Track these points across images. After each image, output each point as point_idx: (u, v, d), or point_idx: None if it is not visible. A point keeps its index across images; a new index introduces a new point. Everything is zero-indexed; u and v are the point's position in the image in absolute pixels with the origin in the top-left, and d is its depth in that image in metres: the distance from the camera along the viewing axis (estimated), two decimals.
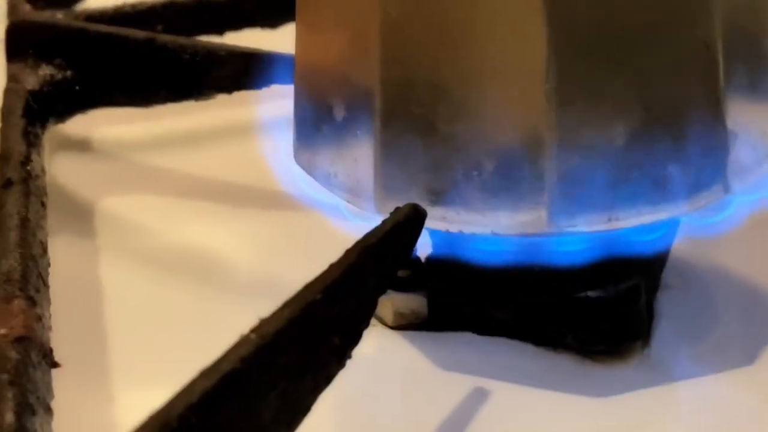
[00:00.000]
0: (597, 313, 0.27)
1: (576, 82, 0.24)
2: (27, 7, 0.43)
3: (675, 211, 0.25)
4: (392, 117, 0.25)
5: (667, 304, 0.30)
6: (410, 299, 0.29)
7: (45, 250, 0.29)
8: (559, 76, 0.24)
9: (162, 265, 0.34)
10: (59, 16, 0.42)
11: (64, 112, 0.37)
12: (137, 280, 0.33)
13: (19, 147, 0.32)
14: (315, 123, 0.28)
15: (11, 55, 0.37)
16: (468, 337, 0.29)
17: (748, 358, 0.27)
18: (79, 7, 0.46)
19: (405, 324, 0.29)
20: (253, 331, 0.20)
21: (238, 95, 0.35)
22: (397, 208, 0.24)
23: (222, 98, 0.36)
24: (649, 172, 0.24)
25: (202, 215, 0.37)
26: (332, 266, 0.22)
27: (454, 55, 0.24)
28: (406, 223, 0.24)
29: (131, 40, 0.36)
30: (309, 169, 0.29)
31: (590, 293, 0.28)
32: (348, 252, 0.23)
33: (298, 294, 0.21)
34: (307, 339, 0.21)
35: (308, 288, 0.21)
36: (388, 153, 0.26)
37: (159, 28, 0.43)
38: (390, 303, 0.29)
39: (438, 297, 0.29)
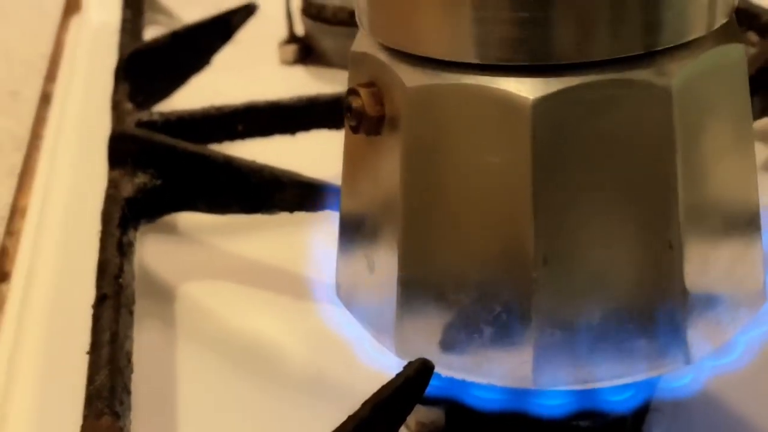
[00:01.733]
0: None
1: (559, 272, 0.29)
2: (129, 106, 0.49)
3: (640, 376, 0.30)
4: (410, 283, 0.31)
5: (656, 428, 0.35)
6: (431, 411, 0.35)
7: (130, 360, 0.35)
8: (544, 267, 0.29)
9: (228, 354, 0.40)
10: (155, 113, 0.49)
11: (153, 215, 0.43)
12: (207, 369, 0.39)
13: (114, 259, 0.38)
14: (352, 267, 0.34)
15: (113, 163, 0.44)
16: None
17: None
18: (173, 104, 0.52)
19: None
20: None
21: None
22: (409, 363, 0.30)
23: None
24: (618, 346, 0.30)
25: (267, 304, 0.43)
26: (348, 419, 0.28)
27: (458, 243, 0.30)
28: (416, 377, 0.30)
29: (212, 159, 0.42)
30: (346, 302, 0.35)
31: (581, 422, 0.33)
32: (362, 406, 0.28)
33: None
34: None
35: None
36: (406, 311, 0.31)
37: (240, 128, 0.49)
38: (414, 414, 0.34)
39: (454, 412, 0.34)
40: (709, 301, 0.30)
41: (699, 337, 0.30)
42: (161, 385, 0.38)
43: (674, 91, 0.28)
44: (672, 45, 0.28)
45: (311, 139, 0.49)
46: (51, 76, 0.68)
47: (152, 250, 0.45)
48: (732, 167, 0.30)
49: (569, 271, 0.29)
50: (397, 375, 0.30)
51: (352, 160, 0.33)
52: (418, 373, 0.30)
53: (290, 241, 0.42)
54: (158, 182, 0.43)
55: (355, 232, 0.33)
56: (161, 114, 0.48)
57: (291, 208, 0.41)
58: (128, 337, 0.36)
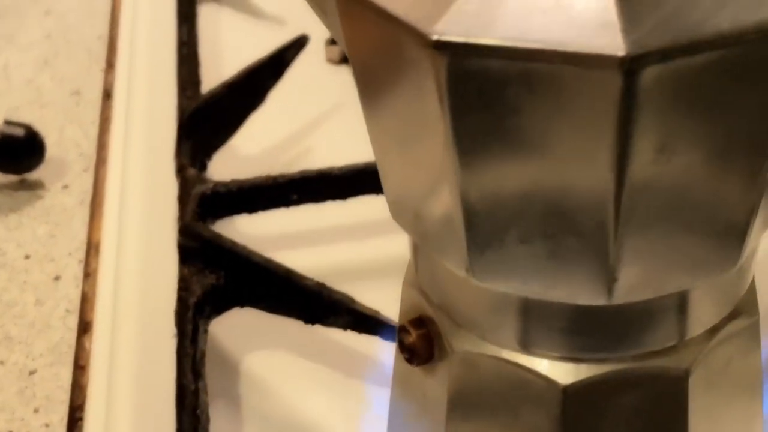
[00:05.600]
0: None
1: None
2: (192, 173, 0.53)
3: None
4: None
5: None
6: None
7: None
8: None
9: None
10: (218, 185, 0.52)
11: (220, 311, 0.48)
12: None
13: (190, 386, 0.43)
14: None
15: (183, 258, 0.48)
16: None
17: None
18: (235, 171, 0.56)
19: None
20: None
21: None
22: None
23: None
24: None
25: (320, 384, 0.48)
26: None
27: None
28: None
29: (274, 271, 0.47)
30: None
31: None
32: None
33: None
34: None
35: None
36: None
37: (294, 197, 0.53)
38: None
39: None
40: None
41: None
42: None
43: (693, 373, 0.32)
44: (699, 333, 0.32)
45: (360, 204, 0.53)
46: (110, 62, 0.71)
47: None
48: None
49: None
50: None
51: (401, 382, 0.37)
52: None
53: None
54: (224, 282, 0.47)
55: None
56: (224, 185, 0.52)
57: (345, 327, 0.45)
58: None
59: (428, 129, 0.28)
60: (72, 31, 0.75)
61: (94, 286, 0.55)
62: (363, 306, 0.45)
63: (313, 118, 0.62)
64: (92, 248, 0.58)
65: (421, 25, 0.26)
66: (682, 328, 0.32)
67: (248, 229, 0.55)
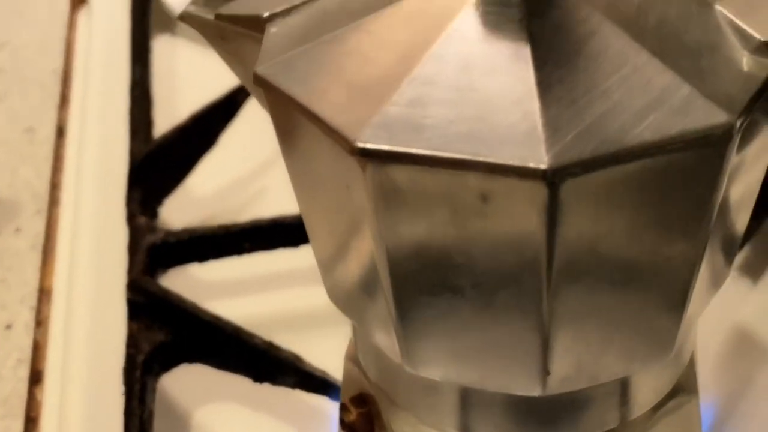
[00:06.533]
0: None
1: None
2: (143, 220, 0.53)
3: None
4: None
5: None
6: None
7: None
8: None
9: None
10: (169, 235, 0.52)
11: (169, 366, 0.48)
12: None
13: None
14: None
15: (131, 314, 0.48)
16: None
17: None
18: (186, 214, 0.55)
19: None
20: None
21: None
22: None
23: None
24: None
25: None
26: None
27: None
28: None
29: (221, 326, 0.46)
30: None
31: None
32: None
33: None
34: None
35: None
36: None
37: (246, 245, 0.53)
38: None
39: None
40: None
41: None
42: None
43: None
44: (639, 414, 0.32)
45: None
46: (64, 97, 0.71)
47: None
48: None
49: None
50: None
51: None
52: None
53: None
54: (172, 339, 0.47)
55: None
56: (174, 235, 0.52)
57: (293, 386, 0.45)
58: None
59: (357, 225, 0.28)
60: (26, 65, 0.75)
61: (45, 334, 0.55)
62: (310, 366, 0.45)
63: (266, 157, 0.62)
64: (44, 295, 0.58)
65: (346, 130, 0.26)
66: (621, 411, 0.32)
67: (200, 274, 0.54)
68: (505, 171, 0.25)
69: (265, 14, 0.30)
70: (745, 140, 0.27)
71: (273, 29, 0.30)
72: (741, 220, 0.31)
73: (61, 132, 0.68)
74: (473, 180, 0.25)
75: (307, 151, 0.28)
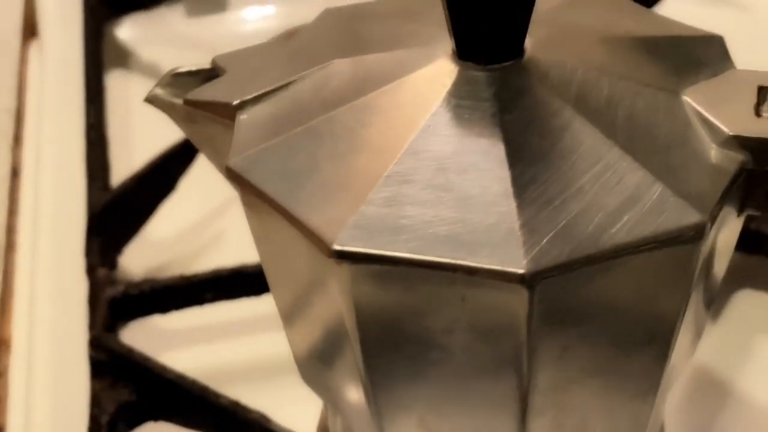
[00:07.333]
0: None
1: None
2: (103, 272, 0.53)
3: None
4: None
5: None
6: None
7: None
8: None
9: None
10: (130, 287, 0.52)
11: (133, 425, 0.47)
12: None
13: None
14: None
15: (94, 372, 0.48)
16: None
17: None
18: (147, 260, 0.55)
19: None
20: None
21: None
22: None
23: None
24: None
25: None
26: None
27: None
28: None
29: (187, 386, 0.46)
30: None
31: None
32: None
33: None
34: None
35: None
36: None
37: (208, 295, 0.53)
38: None
39: None
40: None
41: None
42: None
43: None
44: None
45: None
46: (17, 137, 0.70)
47: None
48: None
49: None
50: None
51: None
52: None
53: None
54: (136, 397, 0.47)
55: None
56: (135, 287, 0.52)
57: None
58: None
59: (332, 319, 0.28)
60: None
61: (5, 386, 0.54)
62: (278, 426, 0.45)
63: (227, 199, 0.61)
64: (2, 345, 0.57)
65: (323, 232, 0.26)
66: None
67: (162, 324, 0.54)
68: (485, 274, 0.25)
69: (235, 102, 0.30)
70: (716, 229, 0.27)
71: (243, 116, 0.30)
72: (712, 296, 0.31)
73: (15, 173, 0.67)
74: (452, 281, 0.25)
75: (282, 245, 0.28)
